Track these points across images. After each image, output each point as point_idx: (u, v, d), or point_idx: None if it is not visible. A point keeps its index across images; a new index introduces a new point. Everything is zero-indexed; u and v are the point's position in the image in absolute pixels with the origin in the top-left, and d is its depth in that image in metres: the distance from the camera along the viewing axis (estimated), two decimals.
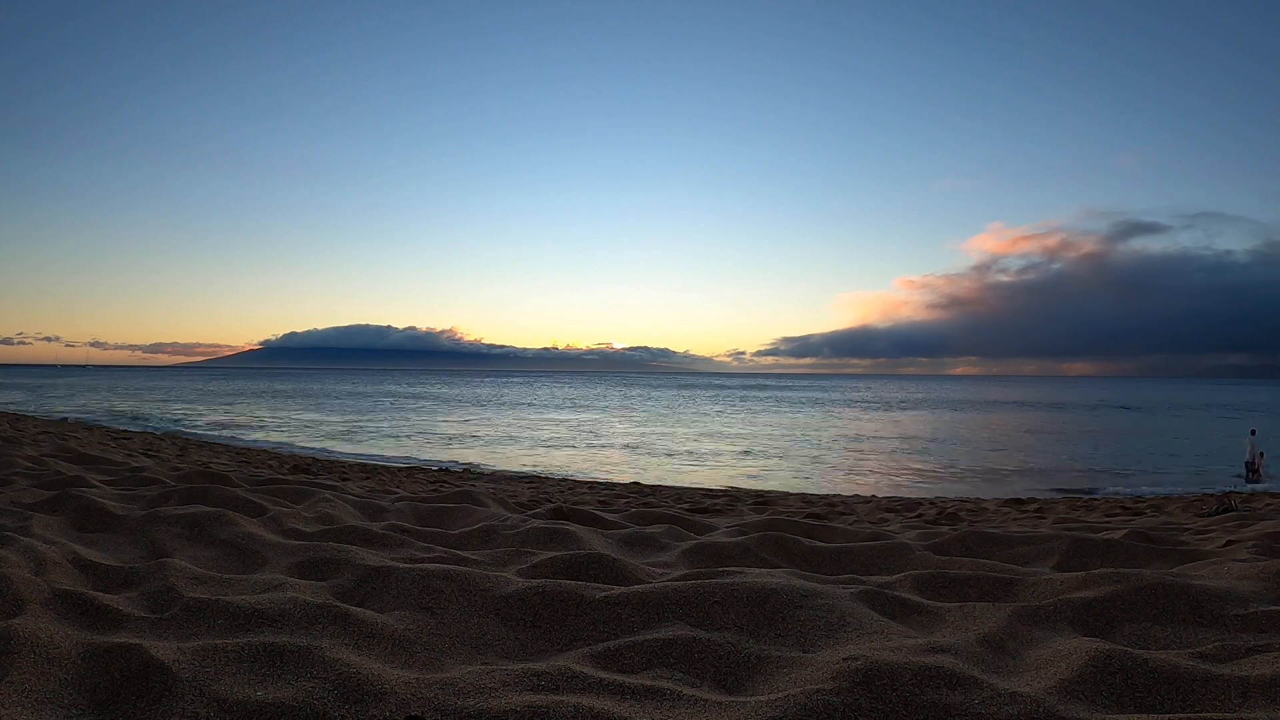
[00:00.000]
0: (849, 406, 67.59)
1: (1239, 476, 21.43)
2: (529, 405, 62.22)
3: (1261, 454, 21.66)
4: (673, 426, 40.81)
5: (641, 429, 39.18)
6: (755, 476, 21.61)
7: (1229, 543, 4.43)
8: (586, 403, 68.54)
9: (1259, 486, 19.39)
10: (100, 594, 2.87)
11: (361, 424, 38.98)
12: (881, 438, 35.10)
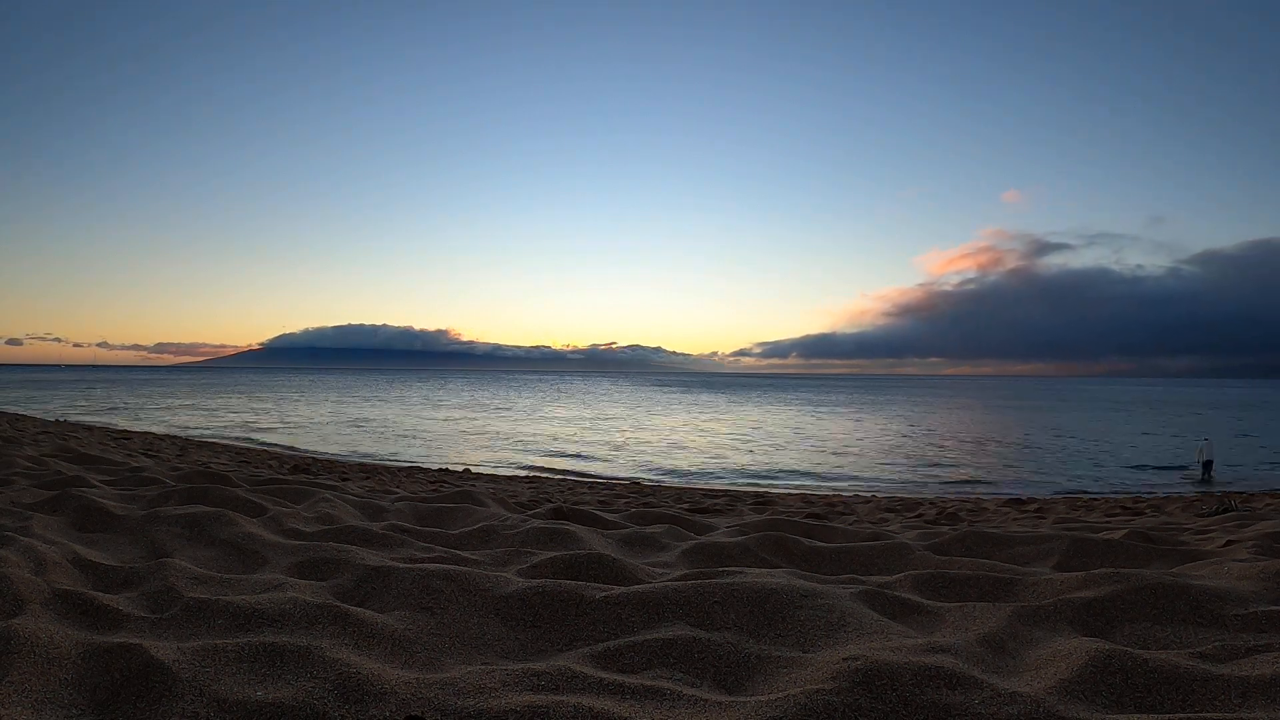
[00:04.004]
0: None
1: (1200, 479, 21.34)
2: (529, 404, 62.27)
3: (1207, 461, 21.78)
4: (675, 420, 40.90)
5: (639, 427, 39.24)
6: (755, 477, 21.61)
7: (1229, 543, 4.44)
8: (603, 401, 68.60)
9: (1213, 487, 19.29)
10: (100, 594, 2.87)
11: (360, 426, 39.00)
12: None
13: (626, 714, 1.95)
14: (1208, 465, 21.79)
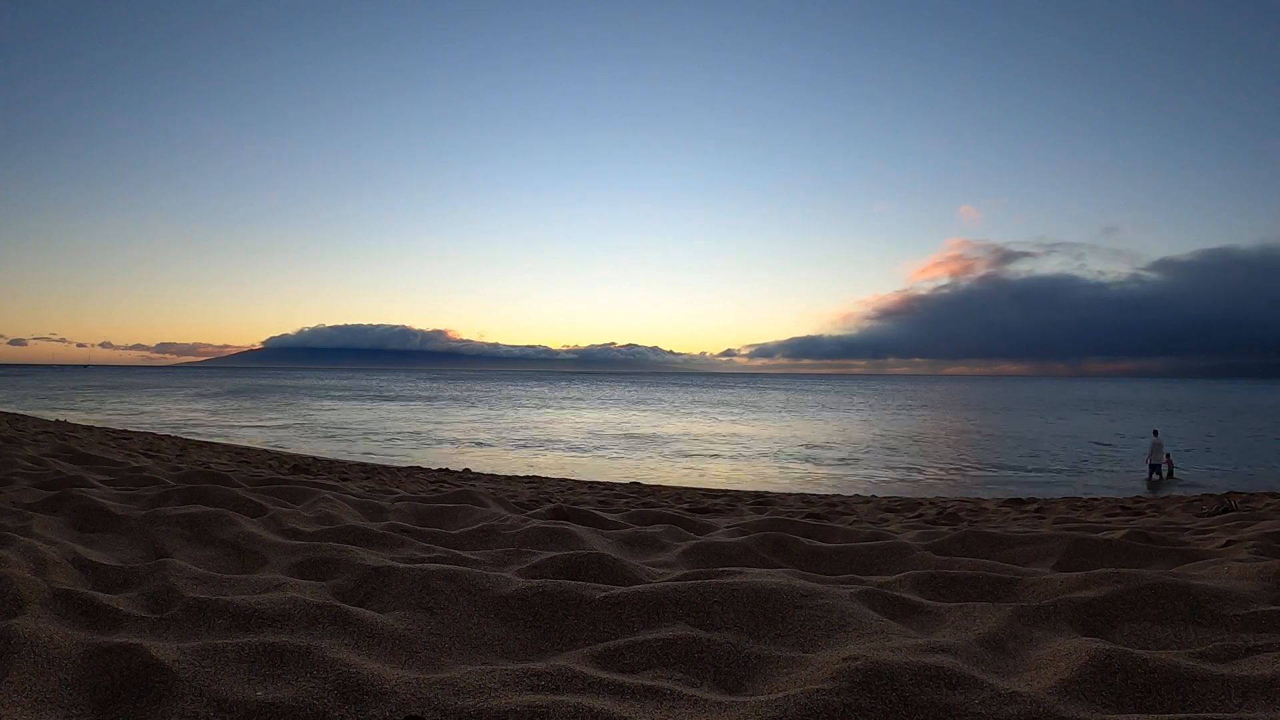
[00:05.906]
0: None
1: (1146, 480, 20.92)
2: (532, 404, 62.23)
3: (1168, 455, 21.45)
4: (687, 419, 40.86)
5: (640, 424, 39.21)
6: (755, 477, 21.61)
7: (1229, 543, 4.44)
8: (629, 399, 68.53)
9: (1172, 489, 18.90)
10: (100, 594, 2.87)
11: (362, 426, 38.97)
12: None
13: (626, 714, 1.95)
14: (1155, 468, 21.09)
